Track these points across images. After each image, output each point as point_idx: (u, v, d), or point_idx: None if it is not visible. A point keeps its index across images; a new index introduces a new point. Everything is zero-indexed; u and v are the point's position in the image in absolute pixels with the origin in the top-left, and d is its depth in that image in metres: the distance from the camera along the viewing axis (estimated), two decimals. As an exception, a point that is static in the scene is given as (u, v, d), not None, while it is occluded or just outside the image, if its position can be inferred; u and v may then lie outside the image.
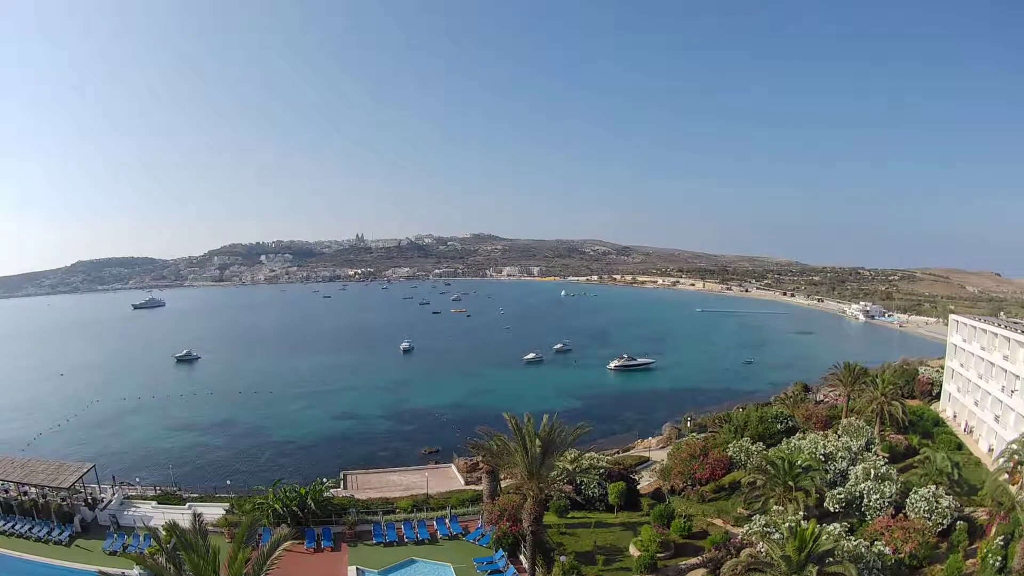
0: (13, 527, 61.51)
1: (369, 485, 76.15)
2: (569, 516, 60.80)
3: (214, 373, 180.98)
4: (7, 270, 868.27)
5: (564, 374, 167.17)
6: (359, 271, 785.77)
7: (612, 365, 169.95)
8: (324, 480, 72.77)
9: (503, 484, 61.62)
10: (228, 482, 78.96)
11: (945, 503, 52.32)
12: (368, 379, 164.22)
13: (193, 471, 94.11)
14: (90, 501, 66.36)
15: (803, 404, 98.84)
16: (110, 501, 68.31)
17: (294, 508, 59.47)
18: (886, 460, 64.43)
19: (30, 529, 60.79)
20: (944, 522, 51.38)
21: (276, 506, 59.43)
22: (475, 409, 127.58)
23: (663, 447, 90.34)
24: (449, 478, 78.06)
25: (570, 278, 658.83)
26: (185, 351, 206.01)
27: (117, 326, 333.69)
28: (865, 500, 54.89)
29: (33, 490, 67.14)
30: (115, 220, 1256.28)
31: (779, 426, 79.60)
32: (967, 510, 54.51)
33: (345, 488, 74.50)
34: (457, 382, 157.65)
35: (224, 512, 60.26)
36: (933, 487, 54.64)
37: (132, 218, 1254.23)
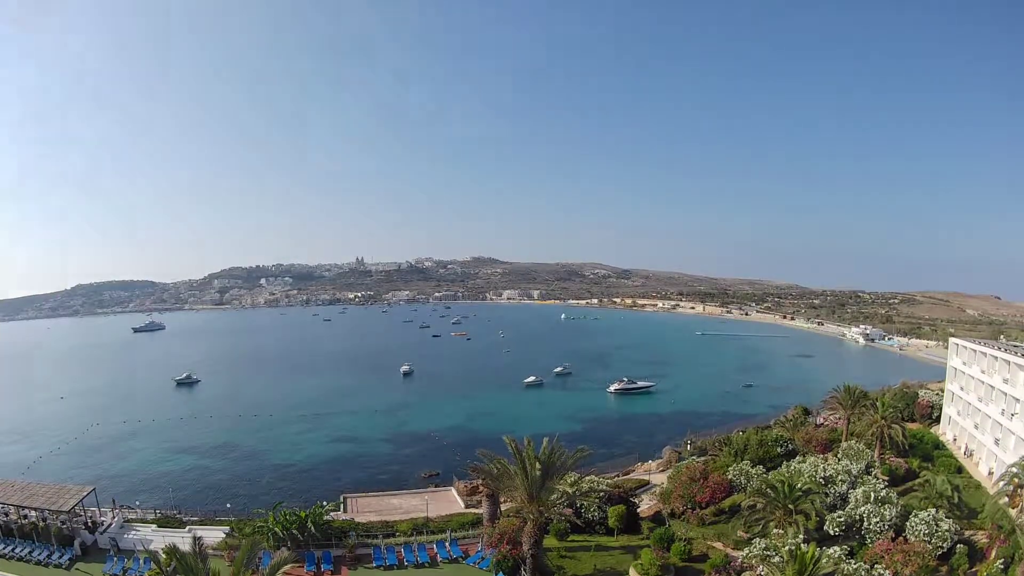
0: (13, 550, 61.72)
1: (369, 508, 76.38)
2: (569, 539, 60.65)
3: (214, 396, 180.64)
4: (7, 293, 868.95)
5: (564, 397, 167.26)
6: (359, 294, 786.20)
7: (612, 388, 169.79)
8: (324, 503, 73.25)
9: (503, 507, 61.73)
10: (228, 505, 79.18)
11: (945, 526, 52.26)
12: (368, 402, 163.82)
13: (193, 494, 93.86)
14: (90, 524, 66.72)
15: (803, 427, 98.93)
16: (110, 524, 68.53)
17: (294, 531, 59.64)
18: (886, 483, 64.70)
19: (30, 552, 61.00)
20: (944, 545, 51.25)
21: (276, 529, 59.62)
22: (475, 432, 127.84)
23: (663, 470, 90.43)
24: (449, 501, 78.27)
25: (570, 301, 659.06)
26: (185, 374, 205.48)
27: (117, 349, 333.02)
28: (865, 523, 54.75)
29: (33, 513, 67.33)
30: (115, 242, 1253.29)
31: (779, 449, 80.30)
32: (967, 533, 54.48)
33: (345, 511, 74.56)
34: (457, 405, 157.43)
35: (224, 535, 60.67)
36: (933, 510, 54.58)
37: (132, 240, 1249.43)
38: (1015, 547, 46.13)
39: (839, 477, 64.08)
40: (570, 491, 58.85)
